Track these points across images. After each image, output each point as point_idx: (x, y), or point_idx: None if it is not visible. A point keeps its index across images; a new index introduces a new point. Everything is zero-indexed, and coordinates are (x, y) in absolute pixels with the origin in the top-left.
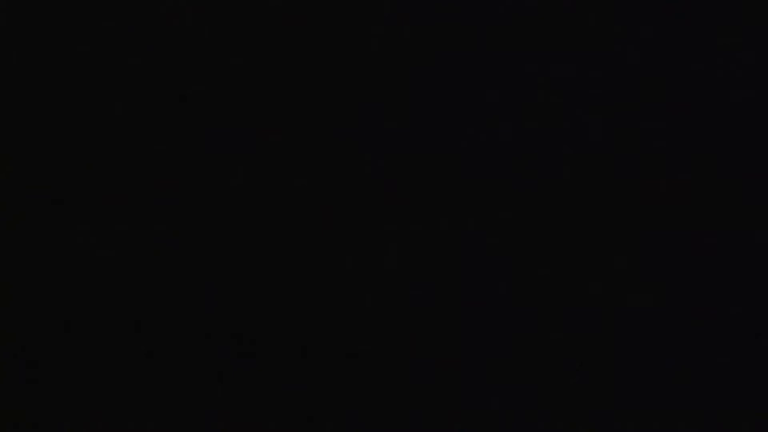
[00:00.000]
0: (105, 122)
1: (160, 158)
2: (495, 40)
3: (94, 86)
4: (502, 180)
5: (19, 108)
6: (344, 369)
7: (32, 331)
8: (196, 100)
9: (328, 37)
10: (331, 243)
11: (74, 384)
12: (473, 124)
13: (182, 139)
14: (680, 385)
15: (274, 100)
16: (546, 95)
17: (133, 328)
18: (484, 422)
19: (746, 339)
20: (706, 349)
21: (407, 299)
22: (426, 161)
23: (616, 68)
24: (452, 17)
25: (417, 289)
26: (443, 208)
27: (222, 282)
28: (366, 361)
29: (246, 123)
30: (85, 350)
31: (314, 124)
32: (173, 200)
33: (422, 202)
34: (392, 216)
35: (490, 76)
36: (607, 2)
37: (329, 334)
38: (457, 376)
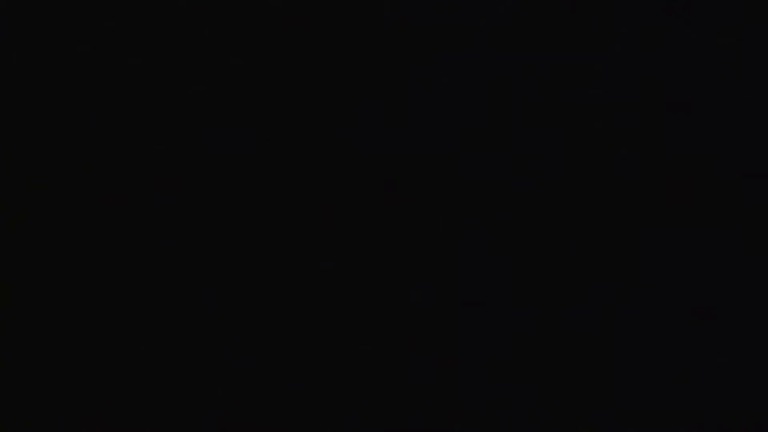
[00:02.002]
0: (105, 122)
1: (160, 158)
2: (495, 40)
3: (94, 86)
4: (502, 180)
5: (19, 108)
6: (344, 369)
7: (32, 331)
8: (196, 100)
9: (328, 37)
10: (331, 243)
11: (74, 384)
12: (473, 124)
13: (182, 139)
14: (680, 385)
15: (274, 100)
16: (546, 95)
17: (133, 327)
18: (484, 422)
19: (746, 339)
20: (706, 349)
21: (407, 299)
22: (426, 161)
23: (616, 68)
24: (452, 17)
25: (417, 289)
26: (443, 208)
27: (222, 282)
28: (366, 361)
29: (246, 123)
30: (85, 350)
31: (314, 124)
32: (173, 200)
33: (422, 202)
34: (392, 216)
35: (490, 76)
36: (607, 2)
37: (329, 334)
38: (457, 376)
